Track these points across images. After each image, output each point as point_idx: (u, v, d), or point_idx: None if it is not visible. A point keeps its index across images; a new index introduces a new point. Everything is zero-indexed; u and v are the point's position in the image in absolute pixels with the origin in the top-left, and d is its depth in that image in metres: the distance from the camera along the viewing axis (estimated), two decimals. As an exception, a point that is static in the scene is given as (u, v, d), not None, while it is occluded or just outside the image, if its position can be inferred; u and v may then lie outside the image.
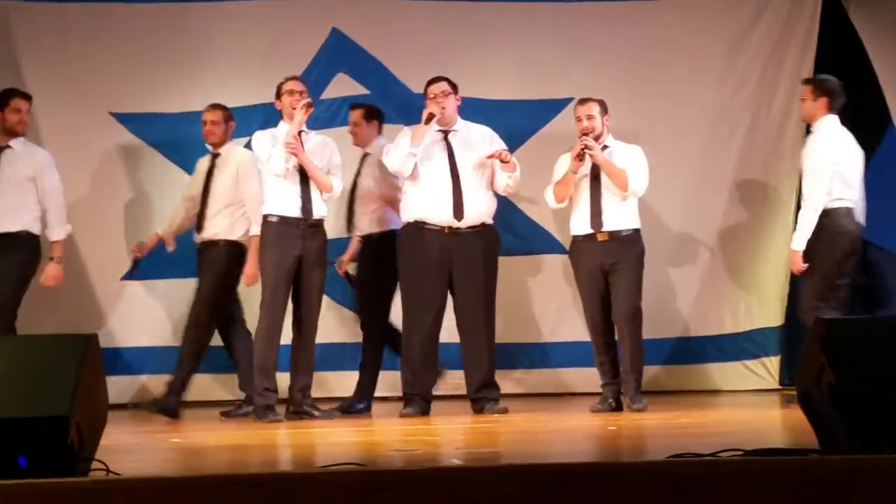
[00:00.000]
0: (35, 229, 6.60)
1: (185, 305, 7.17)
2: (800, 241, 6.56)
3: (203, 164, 6.97)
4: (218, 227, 6.85)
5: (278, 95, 6.57)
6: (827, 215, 6.55)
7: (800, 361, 4.06)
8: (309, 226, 6.49)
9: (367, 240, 6.99)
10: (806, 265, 6.55)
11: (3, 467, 3.45)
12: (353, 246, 7.12)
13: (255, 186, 6.69)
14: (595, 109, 6.62)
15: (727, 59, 7.85)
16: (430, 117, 6.48)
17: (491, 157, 6.55)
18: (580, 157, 6.46)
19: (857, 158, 6.77)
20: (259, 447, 5.24)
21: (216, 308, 6.81)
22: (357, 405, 6.88)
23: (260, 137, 6.55)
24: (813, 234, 6.55)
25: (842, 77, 7.84)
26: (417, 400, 6.53)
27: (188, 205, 7.01)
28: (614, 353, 6.63)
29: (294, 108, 6.39)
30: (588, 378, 7.11)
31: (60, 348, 3.68)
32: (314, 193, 6.50)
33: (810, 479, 3.31)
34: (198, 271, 6.95)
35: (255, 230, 6.62)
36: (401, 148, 6.51)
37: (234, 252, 6.80)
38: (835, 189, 6.57)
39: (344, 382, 7.52)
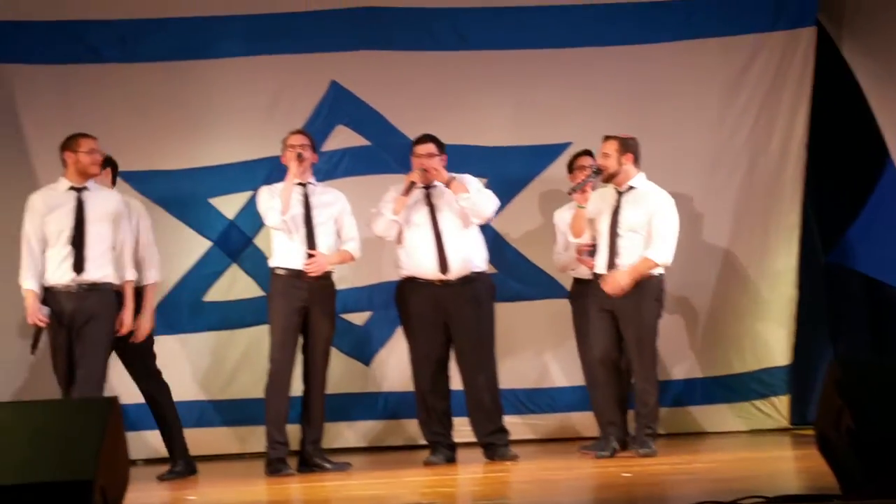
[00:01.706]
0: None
1: (175, 362, 7.25)
2: None
3: None
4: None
5: (283, 150, 6.63)
6: None
7: (818, 405, 4.07)
8: (316, 278, 6.51)
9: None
10: None
11: (28, 534, 3.46)
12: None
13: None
14: (612, 147, 6.58)
15: (724, 100, 7.87)
16: (411, 185, 6.60)
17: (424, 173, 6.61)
18: (574, 190, 6.54)
19: None
20: (274, 503, 5.23)
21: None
22: None
23: (262, 193, 6.65)
24: None
25: (838, 114, 7.94)
26: (441, 448, 6.58)
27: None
28: (617, 396, 6.57)
29: (293, 160, 6.48)
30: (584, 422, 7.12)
31: (83, 411, 3.71)
32: (321, 247, 6.53)
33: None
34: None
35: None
36: (383, 216, 6.63)
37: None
38: None
39: (352, 433, 7.57)
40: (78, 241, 6.21)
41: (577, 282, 7.02)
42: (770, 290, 7.78)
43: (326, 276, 6.58)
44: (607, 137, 6.67)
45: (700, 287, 7.83)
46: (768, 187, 7.83)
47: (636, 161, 6.65)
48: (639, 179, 6.64)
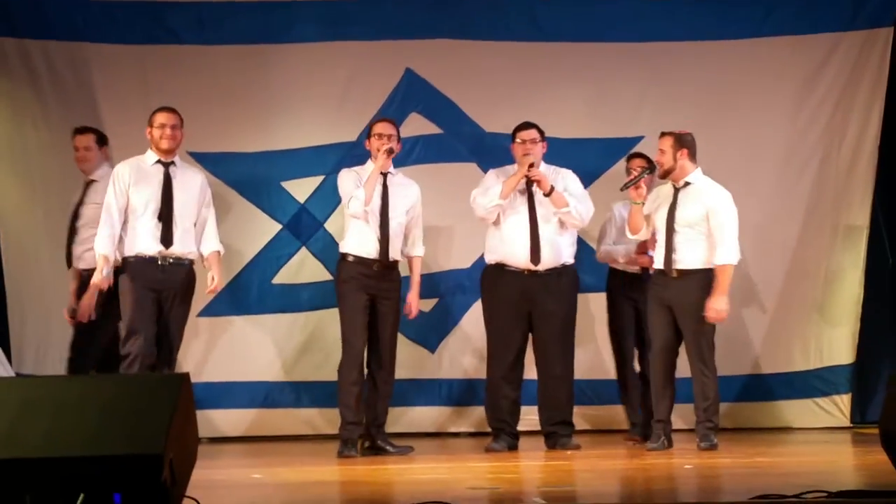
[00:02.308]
0: None
1: (244, 342, 7.37)
2: None
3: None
4: None
5: (368, 136, 6.67)
6: None
7: (883, 404, 4.04)
8: (384, 267, 6.56)
9: (87, 275, 6.54)
10: None
11: (99, 503, 3.52)
12: (73, 283, 6.77)
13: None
14: (667, 143, 6.59)
15: (798, 97, 7.82)
16: (530, 166, 6.54)
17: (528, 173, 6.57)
18: (626, 186, 6.55)
19: None
20: (339, 483, 5.28)
21: None
22: None
23: (345, 176, 6.66)
24: None
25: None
26: (504, 435, 6.60)
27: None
28: (672, 389, 6.58)
29: (379, 151, 6.51)
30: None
31: (155, 387, 3.76)
32: (393, 237, 6.58)
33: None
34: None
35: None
36: (489, 198, 6.60)
37: None
38: None
39: (415, 418, 7.61)
40: (165, 215, 6.33)
41: (613, 273, 7.01)
42: (836, 288, 7.73)
43: (394, 266, 6.62)
44: (663, 134, 6.67)
45: (767, 283, 7.80)
46: (839, 186, 7.77)
47: (692, 156, 6.63)
48: (695, 175, 6.63)
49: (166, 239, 6.31)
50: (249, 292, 7.64)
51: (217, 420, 7.52)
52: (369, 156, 6.65)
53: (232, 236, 7.56)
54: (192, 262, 6.45)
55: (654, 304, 6.62)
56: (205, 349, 7.51)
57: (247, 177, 7.64)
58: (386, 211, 6.55)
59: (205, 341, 7.50)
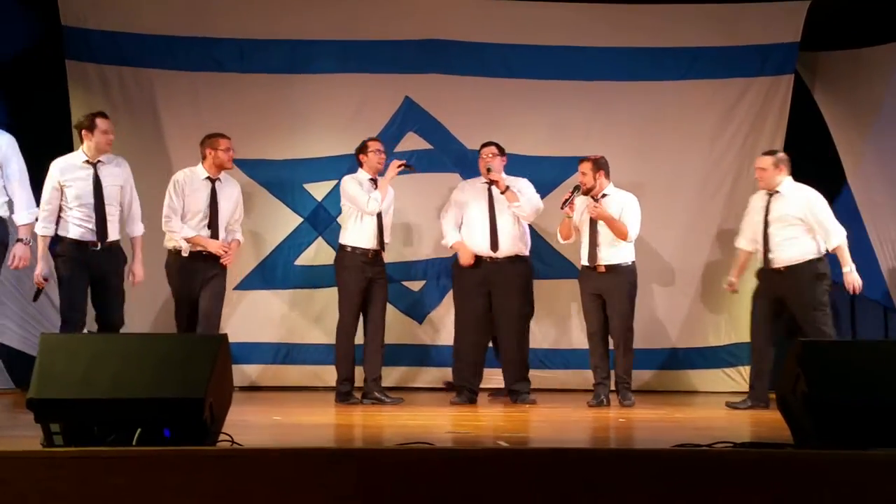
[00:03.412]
0: None
1: (271, 311, 7.35)
2: None
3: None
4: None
5: (364, 150, 6.65)
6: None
7: (780, 372, 4.06)
8: (378, 255, 6.59)
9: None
10: None
11: (153, 436, 3.52)
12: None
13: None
14: (587, 167, 6.67)
15: (715, 130, 7.80)
16: (489, 175, 6.62)
17: (487, 176, 6.62)
18: (564, 205, 6.55)
19: None
20: (342, 426, 5.27)
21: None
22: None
23: (351, 182, 6.68)
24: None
25: (806, 145, 7.86)
26: (465, 391, 6.58)
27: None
28: (607, 359, 6.62)
29: (380, 164, 6.67)
30: (584, 378, 7.09)
31: (200, 344, 3.76)
32: (385, 230, 6.63)
33: (787, 467, 3.32)
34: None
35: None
36: (447, 239, 6.74)
37: None
38: None
39: (405, 375, 7.60)
40: (213, 222, 6.34)
41: (582, 269, 7.08)
42: (743, 280, 7.70)
43: (381, 253, 6.67)
44: (582, 160, 6.75)
45: (687, 276, 7.79)
46: (745, 203, 7.75)
47: (607, 175, 6.74)
48: (610, 188, 6.73)
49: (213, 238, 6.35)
50: (276, 271, 7.61)
51: (248, 372, 7.50)
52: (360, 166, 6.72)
53: (262, 226, 7.59)
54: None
55: (587, 295, 6.64)
56: (241, 315, 7.47)
57: (275, 179, 7.61)
58: (380, 212, 6.61)
59: (240, 309, 7.47)
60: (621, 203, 6.68)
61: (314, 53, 7.68)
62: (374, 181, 6.67)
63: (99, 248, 5.84)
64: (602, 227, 6.61)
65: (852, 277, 6.40)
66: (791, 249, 6.43)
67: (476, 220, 6.67)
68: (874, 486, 3.25)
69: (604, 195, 6.68)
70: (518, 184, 6.76)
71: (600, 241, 6.61)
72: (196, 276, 6.30)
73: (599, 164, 6.69)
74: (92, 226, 5.83)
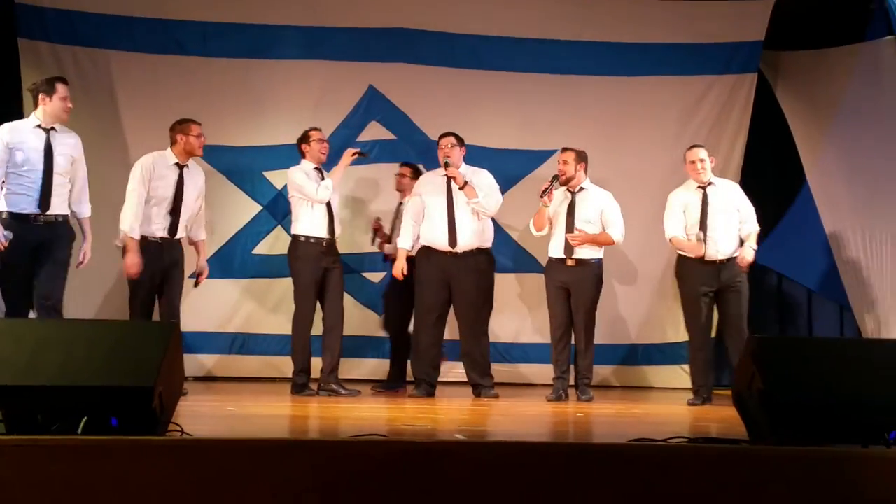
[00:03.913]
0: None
1: (227, 301, 7.24)
2: None
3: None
4: None
5: (306, 140, 6.58)
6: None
7: (735, 370, 4.06)
8: (331, 244, 6.51)
9: None
10: None
11: (99, 425, 3.45)
12: None
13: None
14: (570, 157, 6.61)
15: (680, 124, 7.85)
16: (447, 170, 6.51)
17: (445, 169, 6.55)
18: (543, 193, 6.48)
19: None
20: (297, 417, 5.21)
21: None
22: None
23: (298, 172, 6.56)
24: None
25: (767, 142, 7.93)
26: (424, 385, 6.54)
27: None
28: (568, 353, 6.61)
29: (323, 153, 6.57)
30: (544, 372, 7.07)
31: (151, 332, 3.69)
32: (336, 218, 6.55)
33: (742, 462, 3.31)
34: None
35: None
36: (403, 240, 6.61)
37: None
38: None
39: (363, 367, 7.55)
40: (175, 210, 6.16)
41: (551, 260, 7.05)
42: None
43: (335, 242, 6.59)
44: (565, 149, 6.68)
45: (648, 273, 7.82)
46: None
47: (586, 169, 6.70)
48: (587, 182, 6.70)
49: (173, 228, 6.17)
50: (233, 260, 7.55)
51: (204, 362, 7.43)
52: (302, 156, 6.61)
53: (220, 214, 7.50)
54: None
55: (554, 288, 6.60)
56: (196, 304, 7.35)
57: (235, 166, 7.54)
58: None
59: (196, 298, 7.36)
60: (600, 202, 6.63)
61: (278, 39, 7.62)
62: (318, 170, 6.59)
63: (41, 222, 5.48)
64: (578, 221, 6.53)
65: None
66: (730, 241, 6.46)
67: (436, 215, 6.58)
68: (828, 482, 3.26)
69: (581, 188, 6.64)
70: (477, 177, 6.65)
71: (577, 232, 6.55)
72: (160, 262, 6.12)
73: (582, 157, 6.64)
74: (36, 195, 5.47)
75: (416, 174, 7.08)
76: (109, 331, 3.72)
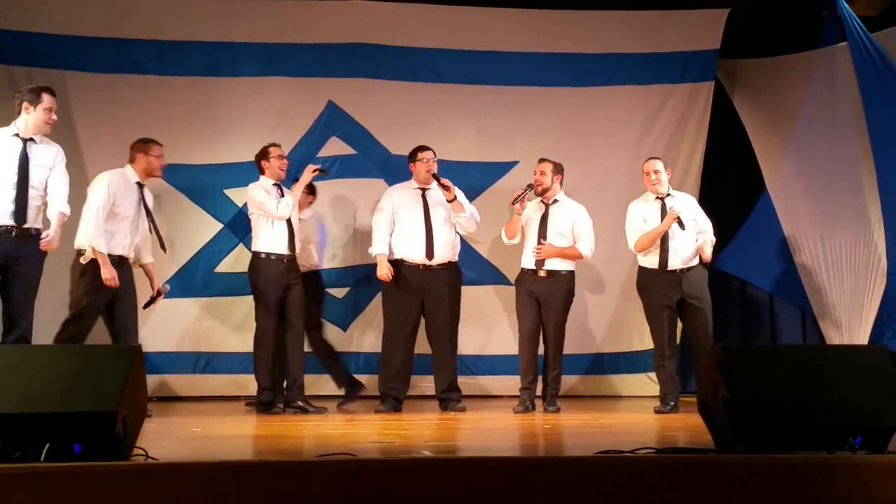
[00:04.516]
0: None
1: (190, 320, 7.18)
2: None
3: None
4: None
5: (265, 156, 6.54)
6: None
7: (699, 378, 4.09)
8: (291, 260, 6.48)
9: None
10: None
11: (61, 452, 3.40)
12: None
13: None
14: (548, 168, 6.65)
15: (640, 134, 7.92)
16: (441, 180, 6.51)
17: (438, 182, 6.52)
18: (515, 201, 6.50)
19: None
20: (263, 437, 5.17)
21: None
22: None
23: (257, 189, 6.50)
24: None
25: (726, 150, 8.01)
26: (390, 399, 6.51)
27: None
28: (536, 364, 6.61)
29: (282, 170, 6.51)
30: (508, 384, 7.07)
31: (112, 356, 3.65)
32: (297, 235, 6.51)
33: (709, 471, 3.34)
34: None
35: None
36: (376, 248, 6.57)
37: None
38: None
39: (328, 384, 7.50)
40: (135, 228, 6.07)
41: (523, 271, 7.03)
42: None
43: (295, 259, 6.53)
44: (543, 160, 6.71)
45: (613, 280, 7.87)
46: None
47: (561, 182, 6.73)
48: (561, 195, 6.74)
49: (132, 246, 6.08)
50: (195, 278, 7.49)
51: (167, 382, 7.35)
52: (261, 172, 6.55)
53: (181, 233, 7.46)
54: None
55: (524, 298, 6.61)
56: (158, 324, 7.31)
57: (195, 184, 7.48)
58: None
59: (158, 318, 7.30)
60: (573, 215, 6.67)
61: (236, 56, 7.60)
62: (278, 186, 6.56)
63: (14, 234, 5.33)
64: (551, 233, 6.57)
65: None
66: (689, 250, 6.55)
67: (411, 228, 6.56)
68: (795, 489, 3.29)
69: (555, 200, 6.67)
70: (458, 194, 6.65)
71: (551, 242, 6.58)
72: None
73: (558, 168, 6.69)
74: (10, 207, 5.28)
75: (311, 191, 7.03)
76: (70, 356, 3.69)
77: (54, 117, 5.47)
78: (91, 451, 3.43)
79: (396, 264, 6.59)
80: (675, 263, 6.52)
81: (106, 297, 5.95)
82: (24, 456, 3.36)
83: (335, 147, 7.66)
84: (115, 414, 3.43)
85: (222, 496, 3.19)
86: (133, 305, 6.11)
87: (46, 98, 5.45)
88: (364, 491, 3.23)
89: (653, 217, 6.62)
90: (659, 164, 6.64)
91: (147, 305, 6.27)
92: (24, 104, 5.42)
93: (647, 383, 7.79)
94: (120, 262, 6.00)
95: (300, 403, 6.41)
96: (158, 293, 6.31)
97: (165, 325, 7.34)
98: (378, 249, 6.60)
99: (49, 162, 5.48)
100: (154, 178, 6.32)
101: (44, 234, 5.45)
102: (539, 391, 6.68)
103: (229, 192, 7.53)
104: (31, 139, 5.45)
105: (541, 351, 6.69)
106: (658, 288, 6.54)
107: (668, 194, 6.66)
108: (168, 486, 3.18)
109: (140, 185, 6.16)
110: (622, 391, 7.84)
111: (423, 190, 6.62)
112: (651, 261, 6.61)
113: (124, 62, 7.43)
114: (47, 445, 3.38)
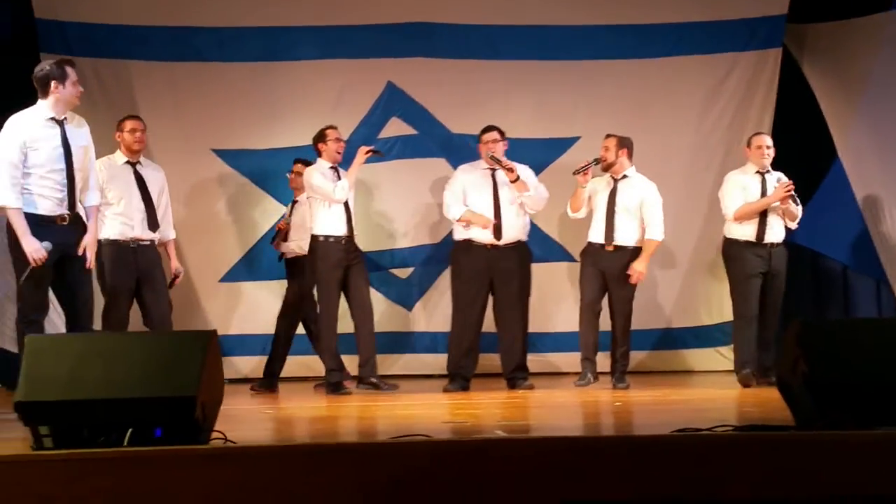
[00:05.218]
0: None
1: (257, 302, 7.27)
2: None
3: None
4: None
5: (323, 139, 6.60)
6: None
7: (780, 354, 4.05)
8: (351, 241, 6.53)
9: None
10: None
11: (143, 436, 3.48)
12: None
13: None
14: (612, 143, 6.63)
15: (705, 105, 7.79)
16: (503, 162, 6.50)
17: (499, 164, 6.51)
18: (578, 171, 6.52)
19: None
20: (336, 418, 5.24)
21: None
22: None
23: (314, 173, 6.55)
24: None
25: (796, 120, 7.86)
26: (459, 378, 6.55)
27: None
28: (597, 336, 6.59)
29: (339, 152, 6.59)
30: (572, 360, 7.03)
31: (190, 341, 3.71)
32: (353, 217, 6.57)
33: (791, 449, 3.31)
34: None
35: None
36: (452, 214, 6.58)
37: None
38: None
39: (396, 362, 7.57)
40: (149, 208, 6.08)
41: (591, 245, 6.96)
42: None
43: (354, 239, 6.59)
44: (608, 135, 6.67)
45: (680, 254, 7.80)
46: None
47: (630, 156, 6.68)
48: (631, 171, 6.67)
49: (153, 225, 6.09)
50: (262, 262, 7.57)
51: (238, 365, 7.47)
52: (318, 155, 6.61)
53: (247, 217, 7.55)
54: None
55: (590, 269, 6.60)
56: (227, 307, 7.44)
57: (258, 169, 7.55)
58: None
59: (227, 301, 7.42)
60: (641, 192, 6.62)
61: (294, 40, 7.62)
62: (335, 169, 6.60)
63: (67, 222, 5.13)
64: (618, 209, 6.55)
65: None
66: (782, 229, 6.62)
67: (479, 209, 6.56)
68: (877, 465, 3.25)
69: (624, 176, 6.64)
70: (523, 172, 6.65)
71: (617, 223, 6.56)
72: (133, 269, 5.96)
73: (624, 143, 6.64)
74: (62, 196, 5.09)
75: None
76: (148, 342, 3.77)
77: (81, 88, 5.27)
78: (172, 436, 3.50)
79: (466, 244, 6.59)
80: (770, 237, 6.57)
81: (130, 276, 5.95)
82: (108, 441, 3.44)
83: (396, 128, 7.67)
84: (194, 399, 3.50)
85: (301, 478, 3.24)
86: (161, 290, 6.07)
87: (71, 71, 5.15)
88: (441, 472, 3.26)
89: (752, 189, 6.64)
90: (769, 140, 6.70)
91: (170, 286, 6.28)
92: (54, 83, 5.07)
93: (717, 358, 7.74)
94: (136, 248, 6.00)
95: (373, 380, 6.47)
96: (176, 276, 6.30)
97: (234, 308, 7.45)
98: (458, 211, 6.55)
99: (84, 140, 5.26)
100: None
101: (84, 249, 5.20)
102: (607, 367, 6.66)
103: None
104: (65, 118, 5.17)
105: (607, 326, 6.67)
106: (748, 259, 6.59)
107: (769, 170, 6.65)
108: (247, 469, 3.24)
109: (131, 164, 6.12)
110: (692, 366, 7.78)
111: (493, 170, 6.61)
112: (745, 231, 6.61)
113: (186, 50, 7.49)
114: (130, 430, 3.45)
